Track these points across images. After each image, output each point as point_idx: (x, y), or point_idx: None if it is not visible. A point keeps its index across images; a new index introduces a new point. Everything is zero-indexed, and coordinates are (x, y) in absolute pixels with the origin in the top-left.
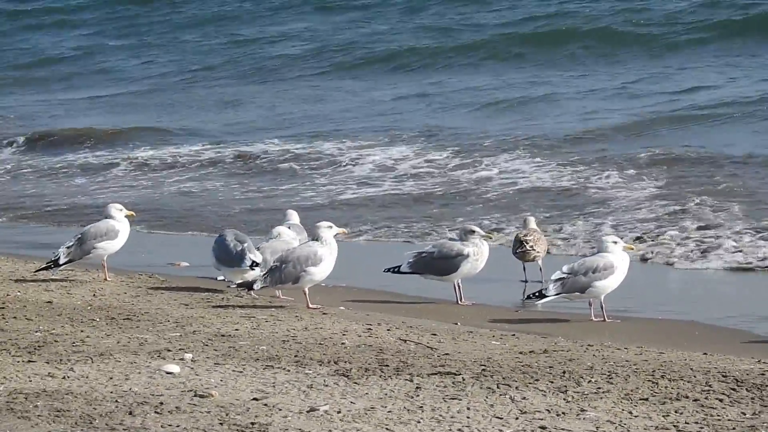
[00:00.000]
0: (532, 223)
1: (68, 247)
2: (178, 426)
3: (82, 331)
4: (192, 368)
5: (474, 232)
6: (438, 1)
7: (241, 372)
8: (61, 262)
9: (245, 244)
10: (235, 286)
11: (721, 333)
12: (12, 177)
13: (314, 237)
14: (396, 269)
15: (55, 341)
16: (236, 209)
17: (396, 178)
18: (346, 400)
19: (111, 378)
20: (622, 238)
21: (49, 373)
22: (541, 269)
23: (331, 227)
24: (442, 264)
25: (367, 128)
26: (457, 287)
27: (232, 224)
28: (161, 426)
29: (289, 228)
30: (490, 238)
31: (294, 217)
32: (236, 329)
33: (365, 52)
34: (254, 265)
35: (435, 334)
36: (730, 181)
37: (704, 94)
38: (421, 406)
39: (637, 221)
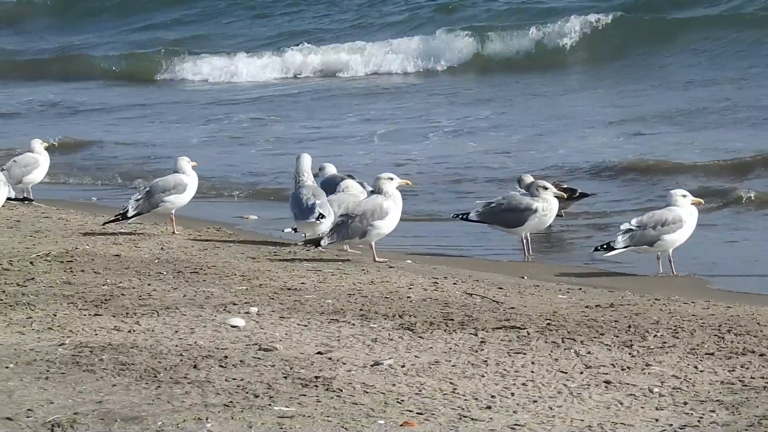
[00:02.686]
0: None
1: (137, 200)
2: (242, 380)
3: (148, 285)
4: (257, 322)
5: (547, 188)
6: None
7: (306, 326)
8: (129, 214)
9: (318, 200)
10: (302, 242)
11: None
12: None
13: (376, 189)
14: (464, 216)
15: (122, 295)
16: None
17: None
18: (410, 354)
19: (176, 331)
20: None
21: (115, 326)
22: None
23: (392, 179)
24: (509, 216)
25: None
26: (524, 241)
27: None
28: (225, 380)
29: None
30: (563, 197)
31: (331, 168)
32: (302, 283)
33: None
34: (320, 217)
35: (501, 288)
36: None
37: None
38: (486, 360)
39: None
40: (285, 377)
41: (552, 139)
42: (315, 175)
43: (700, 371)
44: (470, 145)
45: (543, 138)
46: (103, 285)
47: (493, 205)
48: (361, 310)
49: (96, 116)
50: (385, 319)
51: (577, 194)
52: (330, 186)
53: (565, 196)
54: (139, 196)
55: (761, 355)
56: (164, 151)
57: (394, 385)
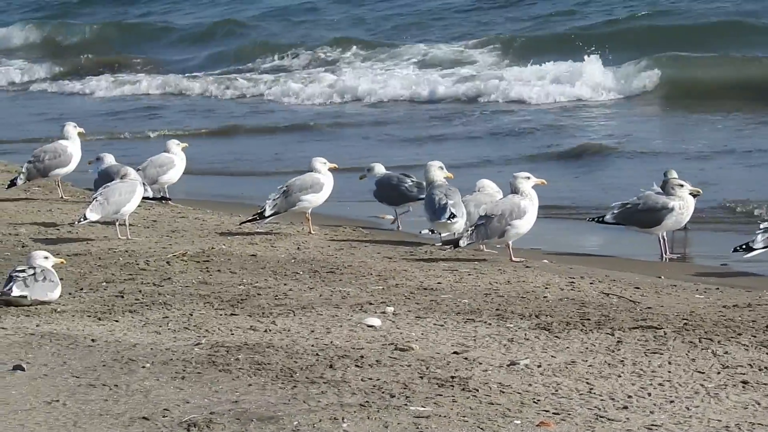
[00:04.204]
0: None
1: (274, 199)
2: (378, 379)
3: (285, 284)
4: (393, 321)
5: (682, 186)
6: None
7: (442, 325)
8: (266, 214)
9: (451, 200)
10: (440, 243)
11: None
12: None
13: (513, 189)
14: (600, 219)
15: (258, 294)
16: None
17: None
18: (546, 354)
19: (312, 331)
20: None
21: (251, 326)
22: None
23: (528, 178)
24: (646, 216)
25: None
26: (661, 240)
27: None
28: (361, 379)
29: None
30: (699, 193)
31: (380, 168)
32: (438, 282)
33: None
34: (452, 216)
35: (638, 288)
36: None
37: None
38: (622, 360)
39: None
40: (421, 377)
41: None
42: (362, 176)
43: None
44: None
45: None
46: (239, 285)
47: (629, 205)
48: (497, 309)
49: None
50: (522, 318)
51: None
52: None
53: (701, 192)
54: (276, 195)
55: None
56: None
57: (530, 385)
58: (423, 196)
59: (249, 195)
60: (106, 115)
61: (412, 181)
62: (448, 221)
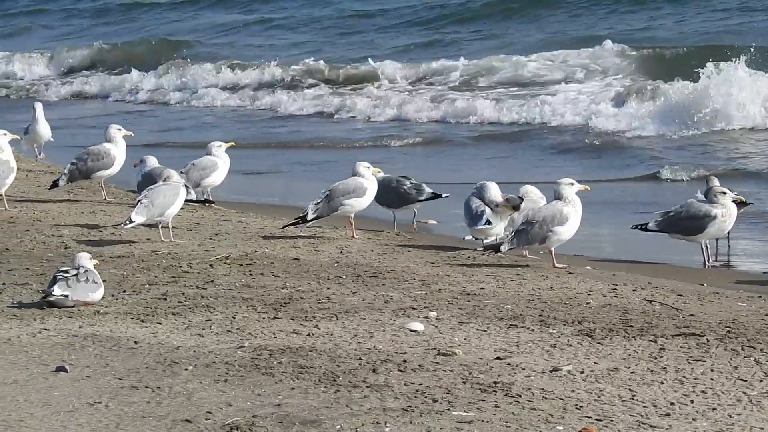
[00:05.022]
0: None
1: (316, 204)
2: (421, 384)
3: (328, 288)
4: (436, 326)
5: (725, 193)
6: None
7: (485, 331)
8: (309, 218)
9: (486, 208)
10: (482, 248)
11: None
12: None
13: (556, 195)
14: (643, 226)
15: (301, 298)
16: None
17: None
18: (589, 360)
19: (355, 335)
20: None
21: (293, 329)
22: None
23: (572, 184)
24: (688, 224)
25: None
26: (704, 248)
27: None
28: (404, 384)
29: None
30: (743, 202)
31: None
32: (481, 288)
33: None
34: (488, 223)
35: (681, 295)
36: None
37: None
38: (665, 367)
39: None
40: (464, 382)
41: None
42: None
43: None
44: None
45: None
46: (282, 288)
47: (671, 213)
48: (540, 315)
49: None
50: (564, 325)
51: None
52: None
53: (744, 200)
54: (319, 200)
55: None
56: None
57: (572, 391)
58: (421, 198)
59: None
60: None
61: (411, 183)
62: (485, 227)
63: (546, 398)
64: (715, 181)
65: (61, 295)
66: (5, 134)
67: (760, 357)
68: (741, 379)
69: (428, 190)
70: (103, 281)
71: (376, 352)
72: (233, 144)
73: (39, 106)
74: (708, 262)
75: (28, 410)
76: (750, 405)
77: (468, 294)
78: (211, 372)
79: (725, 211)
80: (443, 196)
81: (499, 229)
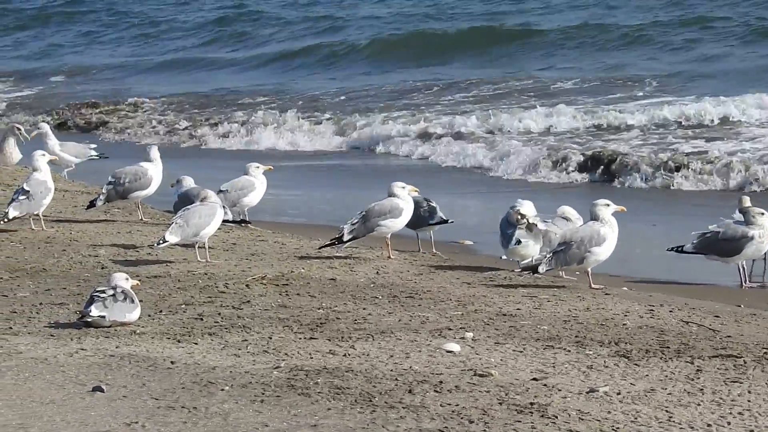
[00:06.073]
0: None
1: (353, 224)
2: (457, 405)
3: (364, 309)
4: (472, 347)
5: (763, 214)
6: None
7: (521, 351)
8: (345, 238)
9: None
10: (519, 269)
11: None
12: None
13: (592, 216)
14: (680, 249)
15: (337, 318)
16: None
17: None
18: (626, 382)
19: (391, 356)
20: None
21: (330, 350)
22: None
23: (608, 205)
24: (725, 245)
25: None
26: (741, 269)
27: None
28: (440, 405)
29: None
30: None
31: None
32: (518, 308)
33: None
34: (518, 243)
35: (717, 316)
36: None
37: None
38: (702, 389)
39: None
40: (500, 403)
41: None
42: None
43: None
44: None
45: None
46: (319, 308)
47: (708, 235)
48: (576, 336)
49: None
50: (601, 346)
51: None
52: None
53: None
54: (355, 220)
55: None
56: None
57: (609, 412)
58: (433, 221)
59: None
60: None
61: (428, 204)
62: (516, 246)
63: (582, 419)
64: (747, 201)
65: (99, 316)
66: (44, 155)
67: None
68: None
69: (440, 214)
70: (140, 301)
71: (413, 373)
72: (271, 168)
73: None
74: (745, 283)
75: (65, 430)
76: None
77: (504, 315)
78: (247, 392)
79: (763, 232)
80: (449, 221)
81: (534, 250)
